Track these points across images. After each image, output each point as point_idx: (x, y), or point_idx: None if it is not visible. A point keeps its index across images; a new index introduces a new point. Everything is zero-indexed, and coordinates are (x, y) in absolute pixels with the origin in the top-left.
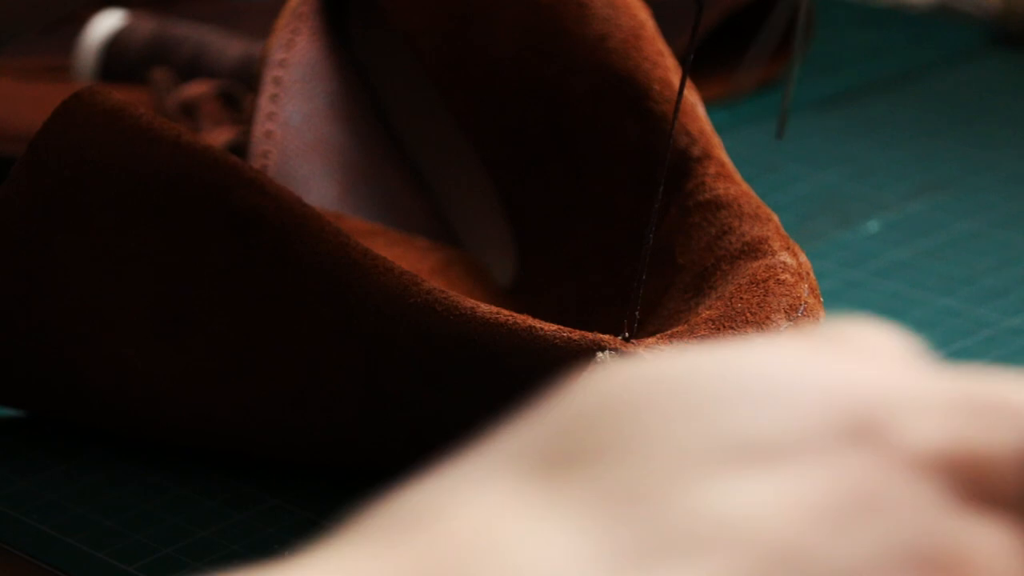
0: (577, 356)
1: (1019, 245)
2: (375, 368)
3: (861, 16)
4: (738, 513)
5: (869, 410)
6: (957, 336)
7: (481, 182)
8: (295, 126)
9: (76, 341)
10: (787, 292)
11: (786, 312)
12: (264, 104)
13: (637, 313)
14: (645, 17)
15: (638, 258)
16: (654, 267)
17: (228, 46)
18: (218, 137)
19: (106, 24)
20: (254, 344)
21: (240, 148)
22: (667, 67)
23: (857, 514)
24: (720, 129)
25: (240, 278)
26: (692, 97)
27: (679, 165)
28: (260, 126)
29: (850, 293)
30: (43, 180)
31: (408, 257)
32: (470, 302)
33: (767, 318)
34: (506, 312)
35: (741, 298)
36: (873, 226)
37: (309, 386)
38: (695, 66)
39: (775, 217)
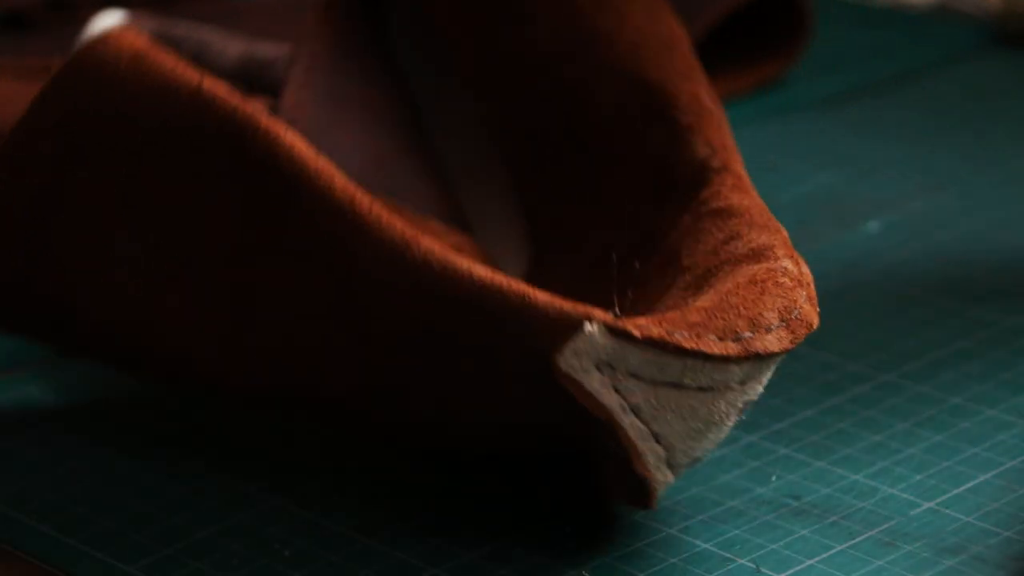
0: (566, 325)
1: (1019, 245)
2: (372, 323)
3: (861, 16)
4: None
5: None
6: (957, 336)
7: (502, 180)
8: (321, 104)
9: (80, 269)
10: (784, 294)
11: (780, 312)
12: (297, 75)
13: (629, 293)
14: (683, 34)
15: (643, 259)
16: (659, 269)
17: (228, 46)
18: None
19: (106, 24)
20: (255, 294)
21: None
22: (698, 81)
23: None
24: None
25: (247, 226)
26: (719, 113)
27: (698, 175)
28: (290, 96)
29: (850, 293)
30: (62, 117)
31: None
32: (466, 263)
33: (760, 314)
34: (501, 276)
35: (737, 294)
36: (873, 226)
37: (307, 340)
38: None
39: (784, 231)
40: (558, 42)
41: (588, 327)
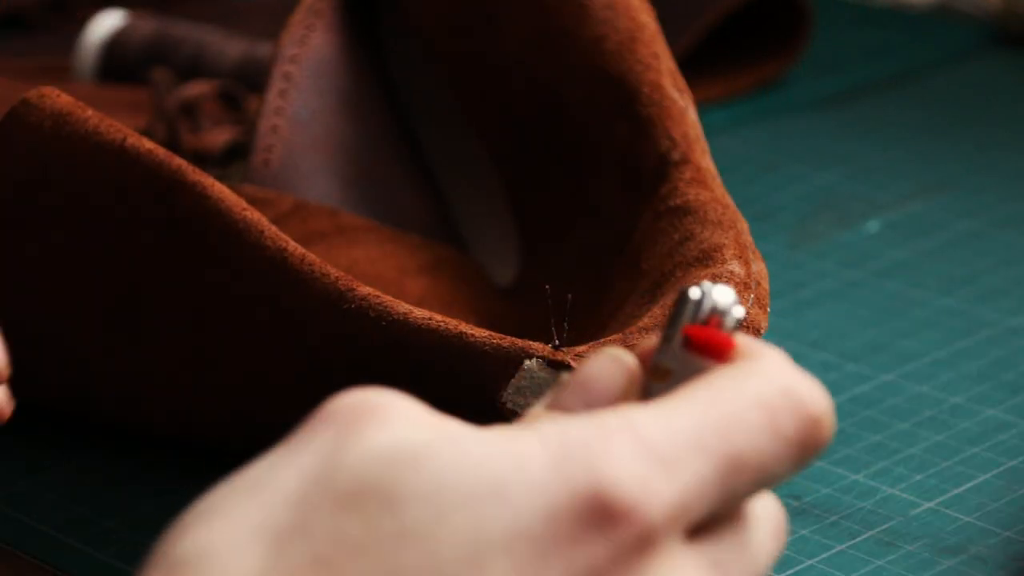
0: (505, 362)
1: (1019, 245)
2: (315, 370)
3: (861, 16)
4: None
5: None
6: (957, 336)
7: (490, 183)
8: (303, 121)
9: (35, 338)
10: None
11: None
12: (272, 99)
13: (566, 323)
14: (646, 20)
15: (612, 260)
16: (623, 271)
17: (228, 46)
18: (218, 137)
19: (106, 24)
20: (202, 343)
21: (240, 147)
22: (659, 70)
23: None
24: (720, 129)
25: (185, 279)
26: (683, 101)
27: (658, 169)
28: (266, 120)
29: (850, 293)
30: None
31: (398, 254)
32: (404, 307)
33: None
34: (439, 317)
35: None
36: (873, 226)
37: (256, 385)
38: (695, 66)
39: (741, 225)
40: (526, 41)
41: (527, 363)
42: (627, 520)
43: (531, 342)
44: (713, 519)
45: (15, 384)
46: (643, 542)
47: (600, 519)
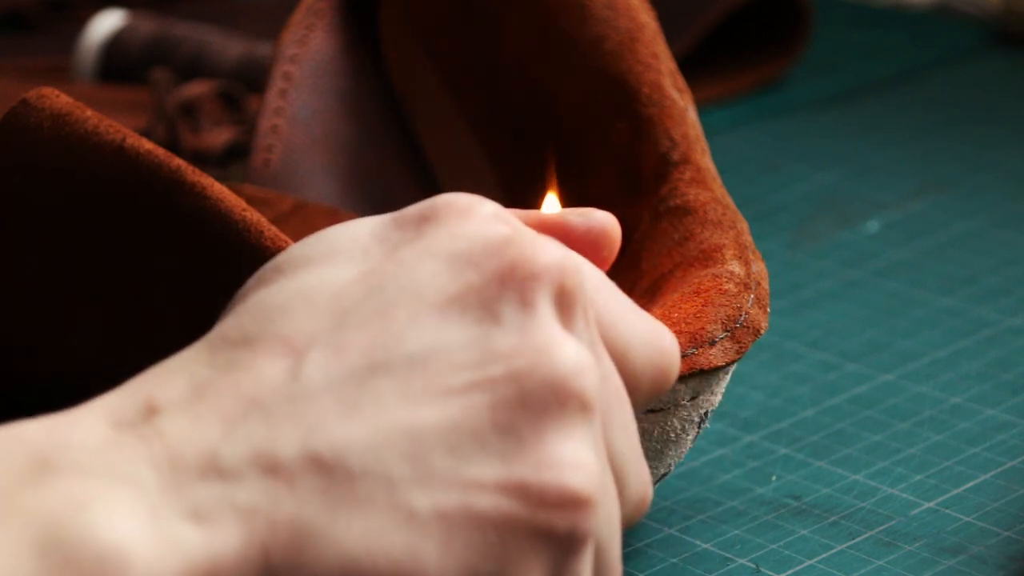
0: None
1: (1019, 245)
2: None
3: (861, 16)
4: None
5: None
6: (957, 336)
7: (489, 183)
8: (303, 121)
9: (33, 339)
10: (727, 303)
11: (723, 323)
12: (272, 99)
13: None
14: (646, 20)
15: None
16: (622, 271)
17: (228, 46)
18: (218, 137)
19: (106, 24)
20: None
21: (240, 147)
22: (660, 70)
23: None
24: (720, 129)
25: (184, 280)
26: (683, 101)
27: (659, 169)
28: (266, 120)
29: (850, 293)
30: None
31: None
32: None
33: (702, 328)
34: None
35: (680, 307)
36: (873, 226)
37: None
38: (695, 66)
39: (741, 225)
40: (525, 42)
41: None
42: (455, 209)
43: None
44: None
45: (14, 384)
46: (465, 215)
47: (430, 216)
